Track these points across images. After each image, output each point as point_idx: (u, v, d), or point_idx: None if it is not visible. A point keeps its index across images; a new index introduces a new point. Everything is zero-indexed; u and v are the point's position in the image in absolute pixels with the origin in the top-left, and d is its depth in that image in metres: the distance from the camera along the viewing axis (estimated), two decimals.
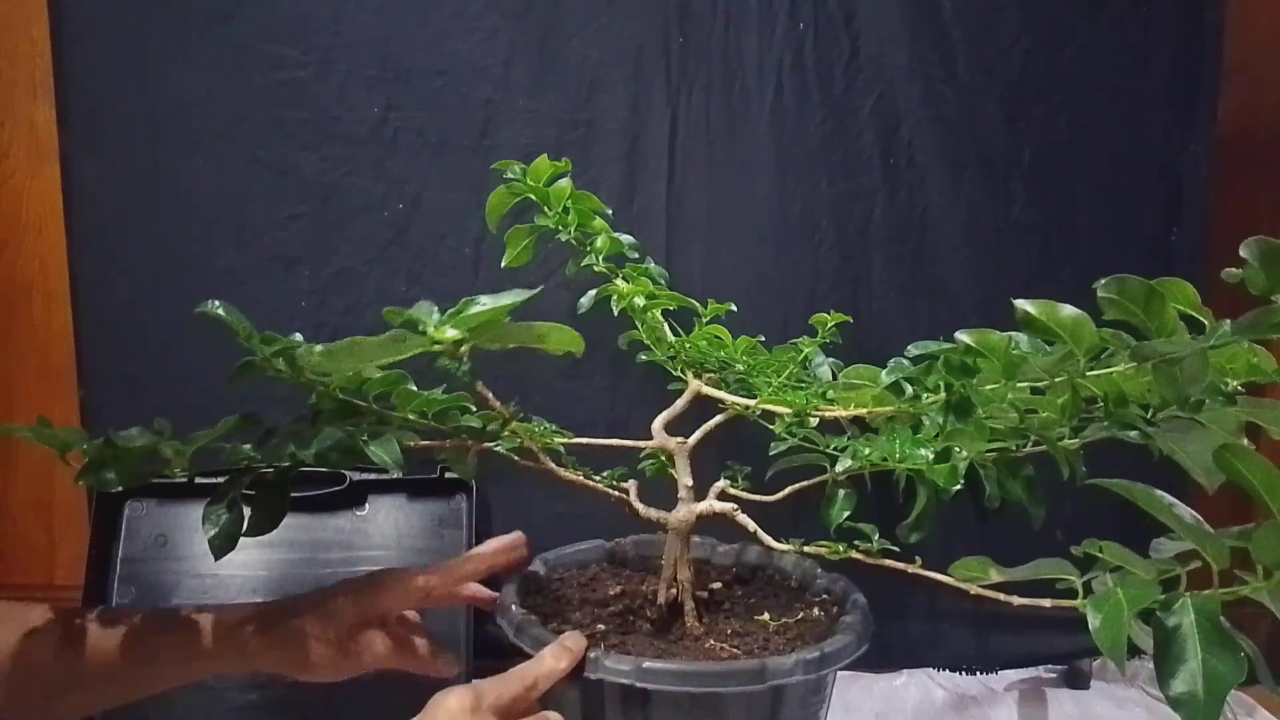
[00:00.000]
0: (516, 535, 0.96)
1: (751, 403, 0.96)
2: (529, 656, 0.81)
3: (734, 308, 1.04)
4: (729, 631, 0.92)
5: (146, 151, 1.15)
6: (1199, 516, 0.62)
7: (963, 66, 1.22)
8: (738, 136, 1.20)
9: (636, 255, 1.09)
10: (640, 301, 1.02)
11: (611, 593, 1.00)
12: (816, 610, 0.97)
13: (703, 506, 0.93)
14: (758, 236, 1.23)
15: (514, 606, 0.90)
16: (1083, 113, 1.24)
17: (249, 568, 1.10)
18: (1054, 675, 1.38)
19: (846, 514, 0.90)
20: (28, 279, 1.27)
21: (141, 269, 1.17)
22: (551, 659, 0.78)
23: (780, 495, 0.94)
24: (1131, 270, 1.28)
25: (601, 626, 0.91)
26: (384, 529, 1.15)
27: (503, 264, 1.05)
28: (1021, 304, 0.62)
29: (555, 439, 0.94)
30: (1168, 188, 1.26)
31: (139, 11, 1.13)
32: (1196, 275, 1.25)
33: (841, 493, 0.91)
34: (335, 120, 1.16)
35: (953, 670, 1.33)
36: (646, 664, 0.79)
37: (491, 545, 0.94)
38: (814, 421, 0.91)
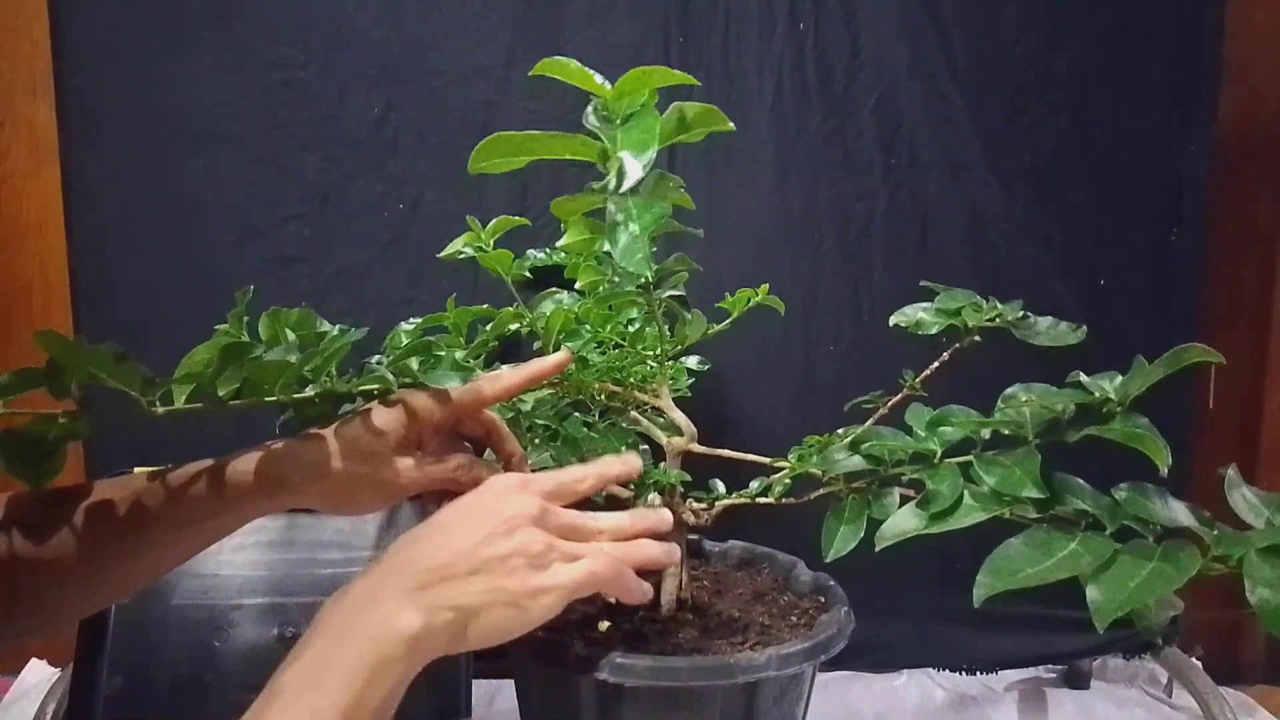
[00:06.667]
0: (564, 354, 0.83)
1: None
2: (522, 659, 0.81)
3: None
4: (712, 625, 0.92)
5: (146, 151, 1.15)
6: None
7: (963, 66, 1.22)
8: (738, 136, 1.20)
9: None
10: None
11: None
12: (799, 606, 0.97)
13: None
14: (758, 236, 1.23)
15: None
16: (1083, 113, 1.24)
17: (249, 567, 1.10)
18: (1054, 675, 1.38)
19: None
20: (28, 279, 1.28)
21: (141, 269, 1.17)
22: (606, 462, 0.76)
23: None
24: (1132, 270, 1.29)
25: (605, 623, 0.91)
26: (384, 529, 1.15)
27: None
28: None
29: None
30: (1168, 188, 1.26)
31: (139, 11, 1.13)
32: (1196, 275, 1.28)
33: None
34: (335, 120, 1.16)
35: (953, 670, 1.33)
36: (619, 660, 0.79)
37: (532, 366, 0.80)
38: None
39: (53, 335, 0.59)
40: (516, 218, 0.97)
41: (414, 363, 0.77)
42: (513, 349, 1.11)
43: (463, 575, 0.63)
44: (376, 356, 0.82)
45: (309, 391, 0.73)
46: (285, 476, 0.70)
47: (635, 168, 0.62)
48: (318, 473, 0.70)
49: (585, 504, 0.99)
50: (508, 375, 0.79)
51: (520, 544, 0.65)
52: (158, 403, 0.64)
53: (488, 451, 0.84)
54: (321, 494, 0.71)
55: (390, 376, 0.73)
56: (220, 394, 0.66)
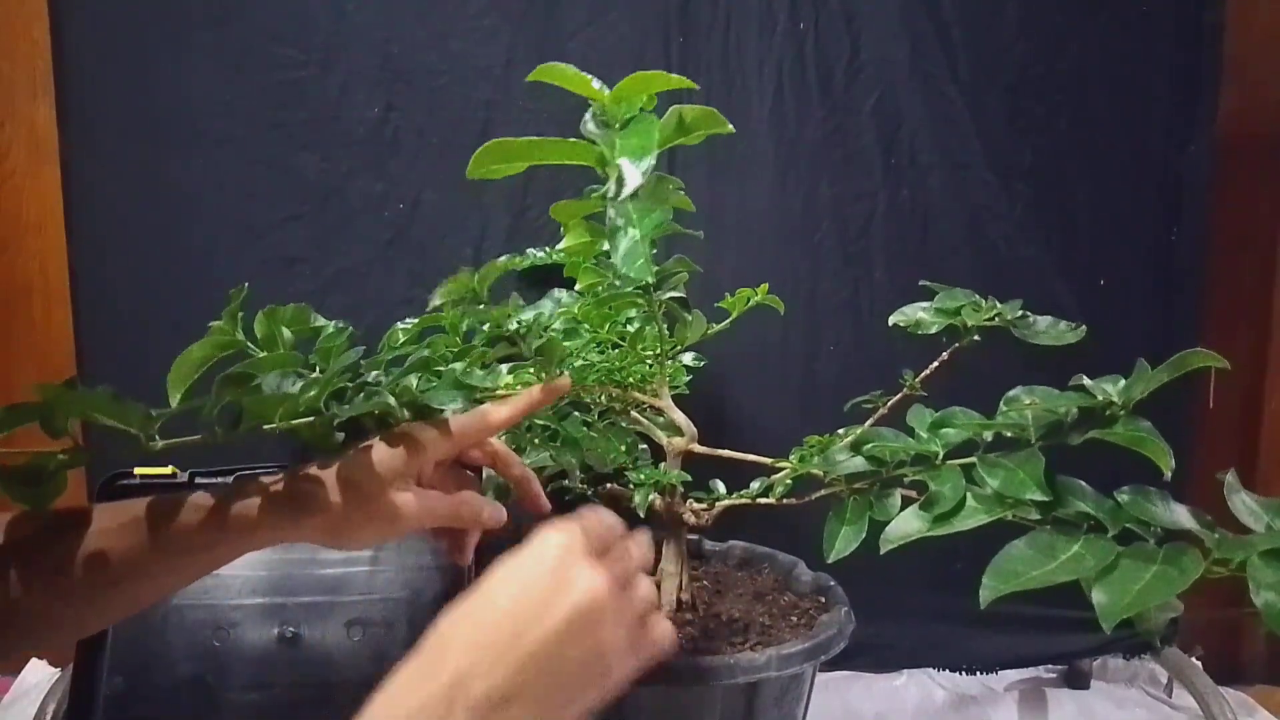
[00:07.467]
0: (564, 380, 0.81)
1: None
2: None
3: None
4: (712, 626, 0.92)
5: (146, 151, 1.15)
6: None
7: (963, 66, 1.22)
8: (738, 136, 1.20)
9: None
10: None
11: None
12: (799, 607, 0.98)
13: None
14: (758, 237, 1.23)
15: None
16: (1083, 113, 1.24)
17: (249, 568, 1.10)
18: (1054, 675, 1.38)
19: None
20: (28, 279, 1.28)
21: (141, 269, 1.17)
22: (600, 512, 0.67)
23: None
24: (1132, 270, 1.29)
25: None
26: None
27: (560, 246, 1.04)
28: None
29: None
30: (1168, 188, 1.26)
31: (139, 11, 1.13)
32: (1196, 275, 1.28)
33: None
34: (335, 120, 1.16)
35: (953, 670, 1.33)
36: None
37: (532, 394, 0.79)
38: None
39: (48, 385, 0.59)
40: (509, 259, 0.96)
41: (413, 381, 0.76)
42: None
43: (541, 697, 0.54)
44: (375, 373, 0.82)
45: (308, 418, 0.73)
46: (284, 513, 0.69)
47: (634, 174, 0.62)
48: (316, 509, 0.69)
49: (582, 501, 1.00)
50: (508, 405, 0.78)
51: (604, 645, 0.57)
52: (157, 438, 0.64)
53: (487, 472, 0.84)
54: (320, 530, 0.71)
55: (392, 401, 0.72)
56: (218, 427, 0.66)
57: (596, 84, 0.65)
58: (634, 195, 0.62)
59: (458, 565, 0.86)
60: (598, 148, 0.65)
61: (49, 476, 0.63)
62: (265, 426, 0.68)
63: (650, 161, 0.62)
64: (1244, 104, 1.32)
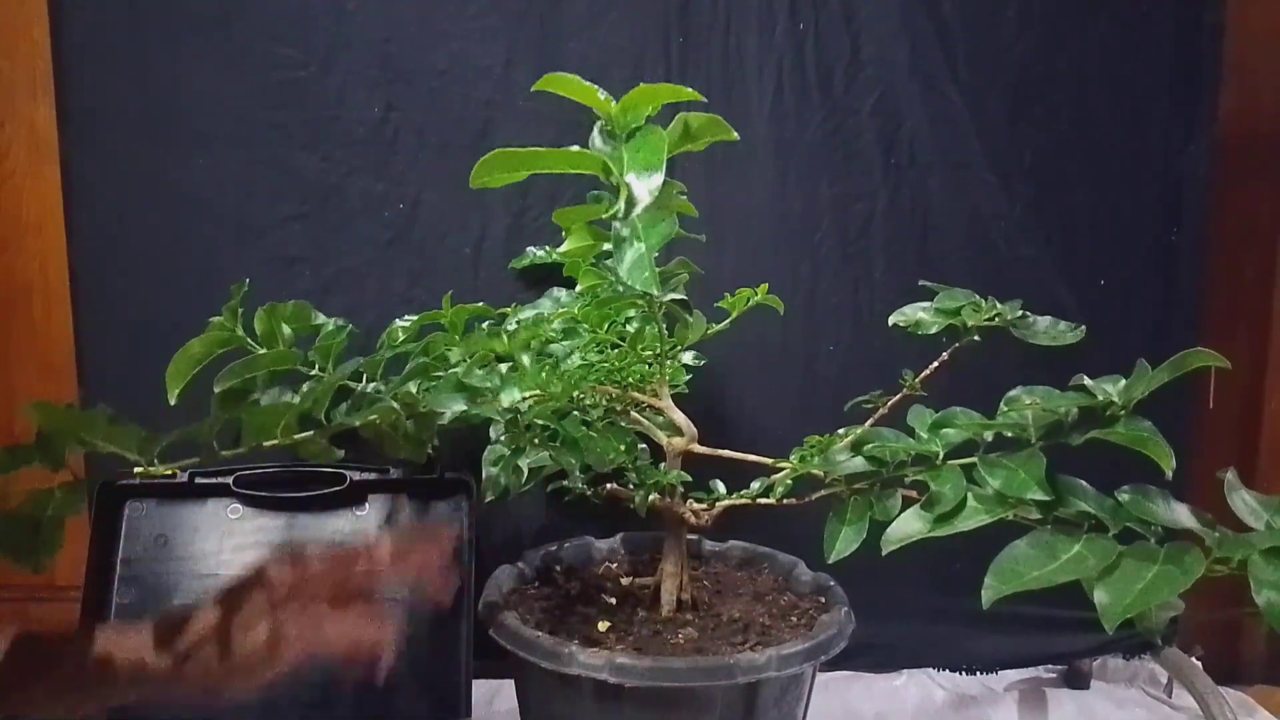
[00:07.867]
0: None
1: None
2: (522, 659, 0.82)
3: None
4: (712, 626, 0.92)
5: (146, 151, 1.15)
6: None
7: (963, 66, 1.21)
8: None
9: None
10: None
11: (607, 588, 1.00)
12: (799, 607, 0.98)
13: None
14: (758, 237, 1.23)
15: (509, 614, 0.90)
16: (1083, 112, 1.24)
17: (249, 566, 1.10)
18: (1054, 675, 1.38)
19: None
20: (28, 279, 1.28)
21: (141, 269, 1.17)
22: None
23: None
24: (1131, 269, 1.29)
25: (605, 623, 0.92)
26: (384, 526, 1.14)
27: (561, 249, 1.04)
28: None
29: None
30: (1168, 188, 1.26)
31: (139, 11, 1.13)
32: (1196, 275, 1.28)
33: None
34: (335, 120, 1.16)
35: (953, 670, 1.33)
36: (619, 660, 0.79)
37: None
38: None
39: (44, 406, 0.59)
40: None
41: (413, 387, 0.76)
42: None
43: None
44: (374, 385, 0.82)
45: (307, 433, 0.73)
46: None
47: (643, 192, 0.61)
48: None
49: (582, 501, 1.00)
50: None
51: None
52: (156, 460, 0.64)
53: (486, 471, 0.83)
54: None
55: (395, 405, 0.73)
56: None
57: (602, 94, 0.65)
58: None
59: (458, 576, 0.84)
60: (602, 157, 0.65)
61: (46, 530, 0.62)
62: (266, 443, 0.68)
63: (659, 178, 0.62)
64: (1244, 104, 1.32)
